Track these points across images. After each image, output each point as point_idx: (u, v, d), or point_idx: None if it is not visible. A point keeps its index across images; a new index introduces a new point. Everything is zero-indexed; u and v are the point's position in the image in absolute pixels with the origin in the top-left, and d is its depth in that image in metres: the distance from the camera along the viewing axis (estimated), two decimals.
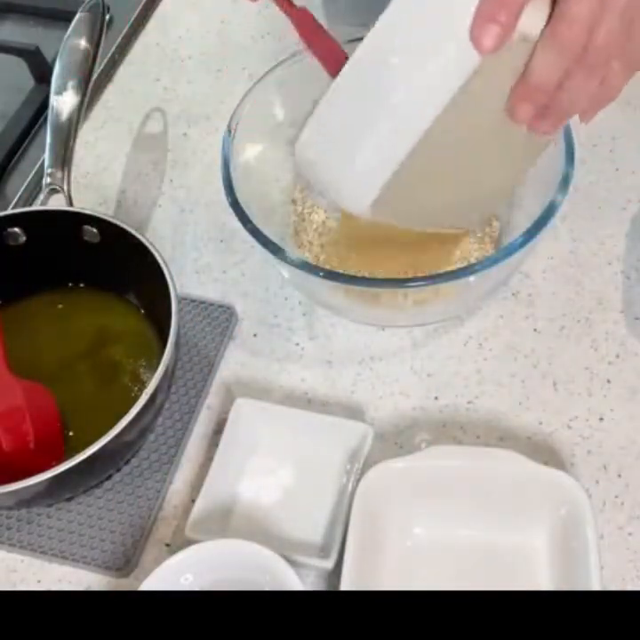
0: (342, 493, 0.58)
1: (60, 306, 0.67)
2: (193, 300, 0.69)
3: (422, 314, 0.64)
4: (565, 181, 0.58)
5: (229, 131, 0.64)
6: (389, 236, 0.64)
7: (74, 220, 0.64)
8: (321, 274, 0.58)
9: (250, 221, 0.60)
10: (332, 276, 0.58)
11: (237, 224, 0.60)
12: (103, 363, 0.64)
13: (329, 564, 0.55)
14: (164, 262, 0.60)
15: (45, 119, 0.70)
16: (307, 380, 0.65)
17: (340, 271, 0.63)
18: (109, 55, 0.86)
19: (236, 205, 0.60)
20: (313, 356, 0.66)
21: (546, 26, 0.45)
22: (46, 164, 0.67)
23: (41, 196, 0.66)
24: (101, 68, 0.84)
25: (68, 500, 0.60)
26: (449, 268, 0.60)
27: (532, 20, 0.45)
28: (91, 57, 0.70)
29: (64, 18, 0.76)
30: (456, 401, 0.63)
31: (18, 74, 0.83)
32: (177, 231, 0.74)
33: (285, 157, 0.70)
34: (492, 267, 0.57)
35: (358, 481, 0.56)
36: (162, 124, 0.82)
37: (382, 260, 0.64)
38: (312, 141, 0.52)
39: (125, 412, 0.53)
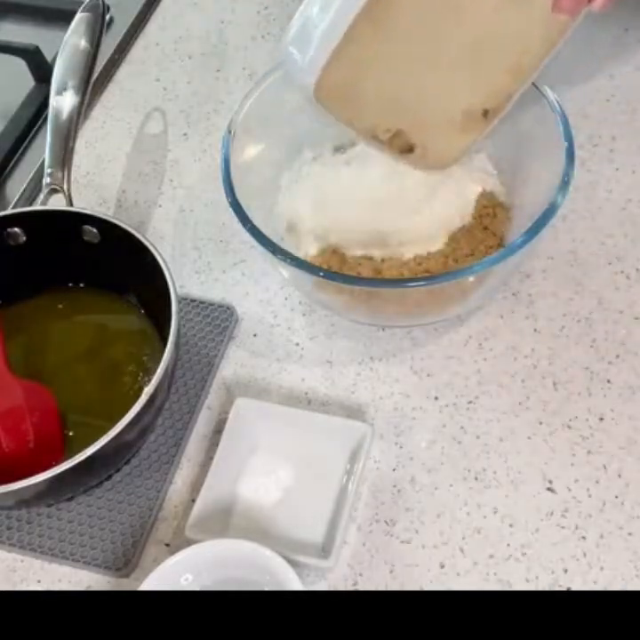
0: (342, 493, 0.58)
1: (60, 306, 0.67)
2: (193, 300, 0.69)
3: (422, 314, 0.64)
4: (565, 182, 0.58)
5: (229, 131, 0.64)
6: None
7: (74, 220, 0.64)
8: (321, 274, 0.58)
9: (250, 221, 0.60)
10: (331, 276, 0.58)
11: (237, 224, 0.60)
12: (103, 363, 0.64)
13: (329, 563, 0.55)
14: (164, 262, 0.60)
15: (45, 119, 0.70)
16: (307, 380, 0.65)
17: (340, 271, 0.63)
18: (109, 55, 0.86)
19: (236, 205, 0.61)
20: (313, 356, 0.66)
21: None
22: (46, 163, 0.67)
23: (41, 196, 0.66)
24: (101, 68, 0.84)
25: (68, 500, 0.60)
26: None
27: None
28: (91, 57, 0.70)
29: (64, 18, 0.76)
30: (456, 401, 0.63)
31: (18, 74, 0.83)
32: (177, 231, 0.74)
33: (285, 157, 0.70)
34: (492, 267, 0.57)
35: (358, 481, 0.56)
36: (162, 123, 0.82)
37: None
38: (291, 32, 0.55)
39: (125, 412, 0.53)
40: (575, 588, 0.55)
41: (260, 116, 0.66)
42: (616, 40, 0.81)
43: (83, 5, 0.73)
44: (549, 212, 0.57)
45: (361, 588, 0.56)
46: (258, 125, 0.66)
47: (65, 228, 0.64)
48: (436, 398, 0.63)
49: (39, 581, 0.58)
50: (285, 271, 0.62)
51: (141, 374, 0.63)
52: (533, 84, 0.64)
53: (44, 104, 0.74)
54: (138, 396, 0.54)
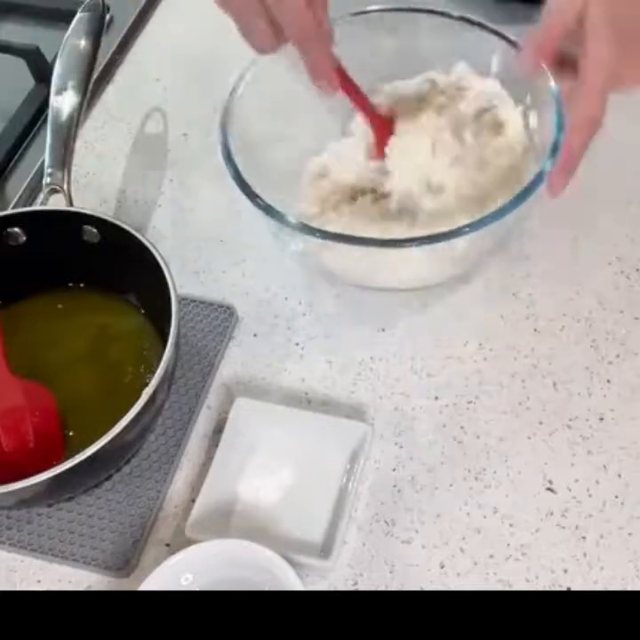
0: (342, 493, 0.58)
1: (60, 306, 0.67)
2: (193, 300, 0.69)
3: (426, 269, 0.62)
4: (555, 148, 0.58)
5: (225, 126, 0.64)
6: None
7: (74, 220, 0.64)
8: (317, 234, 0.57)
9: (253, 192, 0.58)
10: (334, 236, 0.57)
11: (238, 224, 0.60)
12: (103, 363, 0.64)
13: (329, 563, 0.55)
14: (164, 262, 0.60)
15: (45, 119, 0.70)
16: (307, 380, 0.65)
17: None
18: (109, 55, 0.86)
19: (238, 177, 0.59)
20: (313, 356, 0.66)
21: None
22: (46, 163, 0.67)
23: (41, 196, 0.66)
24: (101, 68, 0.84)
25: (68, 499, 0.60)
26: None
27: None
28: (91, 57, 0.70)
29: (64, 18, 0.76)
30: (456, 401, 0.63)
31: (18, 74, 0.83)
32: (177, 231, 0.74)
33: (286, 156, 0.70)
34: (482, 229, 0.56)
35: (358, 481, 0.56)
36: (162, 123, 0.82)
37: None
38: None
39: (125, 412, 0.53)
40: (575, 588, 0.55)
41: (260, 115, 0.66)
42: None
43: (83, 5, 0.73)
44: (538, 179, 0.57)
45: (361, 587, 0.56)
46: (256, 102, 0.65)
47: (65, 227, 0.64)
48: (436, 398, 0.63)
49: (39, 581, 0.58)
50: (289, 237, 0.60)
51: (141, 374, 0.63)
52: None
53: (44, 104, 0.74)
54: (138, 395, 0.54)
